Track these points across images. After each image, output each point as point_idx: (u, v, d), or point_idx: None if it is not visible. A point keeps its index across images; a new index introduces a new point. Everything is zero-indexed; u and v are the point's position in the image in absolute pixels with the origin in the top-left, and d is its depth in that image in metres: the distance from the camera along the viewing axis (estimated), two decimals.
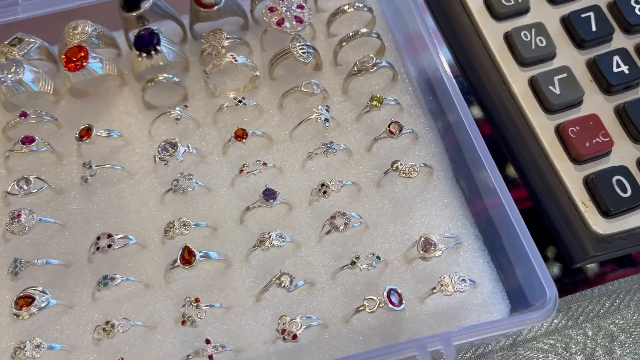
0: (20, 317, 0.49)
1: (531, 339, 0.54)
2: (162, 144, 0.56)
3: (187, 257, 0.50)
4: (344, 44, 0.61)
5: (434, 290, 0.50)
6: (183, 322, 0.49)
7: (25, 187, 0.55)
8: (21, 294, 0.50)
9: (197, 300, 0.50)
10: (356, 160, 0.58)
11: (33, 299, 0.50)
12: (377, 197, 0.57)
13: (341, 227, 0.52)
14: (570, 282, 0.57)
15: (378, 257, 0.51)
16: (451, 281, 0.50)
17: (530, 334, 0.55)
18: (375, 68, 0.59)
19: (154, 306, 0.52)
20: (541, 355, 0.54)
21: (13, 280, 0.52)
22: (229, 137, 0.57)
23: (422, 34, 0.59)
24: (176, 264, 0.50)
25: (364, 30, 0.61)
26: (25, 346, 0.48)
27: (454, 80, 0.56)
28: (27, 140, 0.56)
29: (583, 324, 0.55)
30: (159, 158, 0.56)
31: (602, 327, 0.55)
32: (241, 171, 0.55)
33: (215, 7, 0.61)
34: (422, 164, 0.55)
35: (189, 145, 0.56)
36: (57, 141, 0.60)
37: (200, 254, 0.51)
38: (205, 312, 0.49)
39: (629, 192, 0.52)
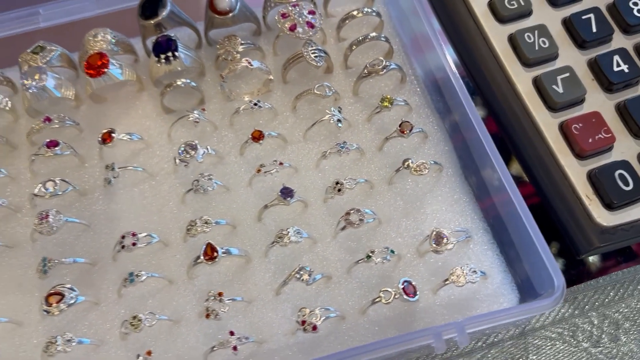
0: (50, 313, 0.51)
1: (539, 328, 0.57)
2: (183, 146, 0.58)
3: (210, 253, 0.52)
4: (354, 47, 0.64)
5: (447, 282, 0.52)
6: (207, 316, 0.51)
7: (51, 189, 0.57)
8: (51, 291, 0.52)
9: (220, 294, 0.52)
10: (368, 159, 0.61)
11: (62, 296, 0.52)
12: (389, 194, 0.59)
13: (356, 223, 0.54)
14: (576, 273, 0.60)
15: (392, 251, 0.53)
16: (463, 273, 0.52)
17: (538, 323, 0.57)
18: (385, 70, 0.61)
19: (177, 301, 0.55)
20: (549, 343, 0.56)
21: (42, 279, 0.54)
22: (245, 138, 0.60)
23: (429, 36, 0.61)
24: (199, 260, 0.53)
25: (373, 34, 0.63)
26: (56, 341, 0.50)
27: (460, 80, 0.58)
28: (52, 144, 0.59)
29: (589, 313, 0.57)
30: (180, 160, 0.58)
31: (607, 315, 0.57)
32: (259, 171, 0.57)
33: (230, 14, 0.63)
34: (432, 162, 0.57)
35: (208, 147, 0.59)
36: (79, 145, 0.62)
37: (222, 250, 0.53)
38: (228, 305, 0.52)
39: (631, 186, 0.55)
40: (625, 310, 0.57)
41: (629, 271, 0.59)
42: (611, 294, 0.58)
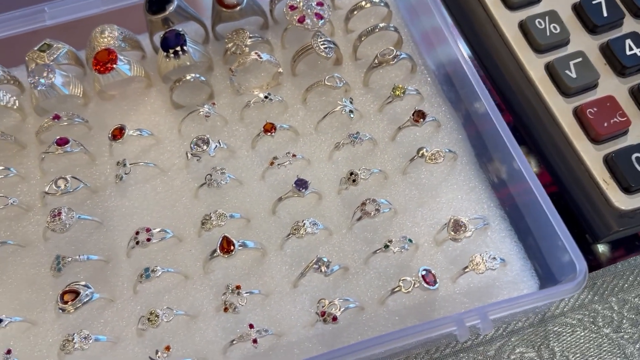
0: (66, 311, 0.51)
1: (559, 315, 0.56)
2: (194, 140, 0.57)
3: (227, 246, 0.52)
4: (363, 38, 0.63)
5: (466, 270, 0.52)
6: (225, 309, 0.51)
7: (62, 187, 0.56)
8: (66, 289, 0.51)
9: (237, 287, 0.51)
10: (381, 150, 0.60)
11: (77, 293, 0.51)
12: (403, 184, 0.58)
13: (372, 213, 0.54)
14: (593, 259, 0.59)
15: (410, 240, 0.53)
16: (482, 260, 0.51)
17: (557, 310, 0.56)
18: (395, 60, 0.61)
19: (194, 296, 0.54)
20: (569, 330, 0.56)
21: (55, 277, 0.54)
22: (256, 132, 0.59)
23: (439, 25, 0.61)
24: (216, 254, 0.52)
25: (382, 24, 0.63)
26: (73, 338, 0.50)
27: (474, 68, 0.58)
28: (62, 142, 0.58)
29: (608, 298, 0.57)
30: (192, 154, 0.57)
31: (627, 300, 0.57)
32: (272, 163, 0.57)
33: (238, 8, 0.62)
34: (447, 150, 0.57)
35: (220, 140, 0.58)
36: (88, 142, 0.61)
37: (238, 243, 0.52)
38: (245, 298, 0.51)
39: None
40: None
41: None
42: (630, 278, 0.57)
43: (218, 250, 0.52)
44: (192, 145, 0.57)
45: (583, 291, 0.57)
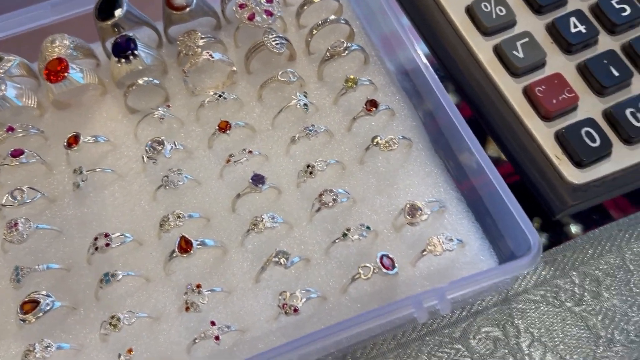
0: (27, 321, 0.50)
1: (522, 292, 0.57)
2: (149, 142, 0.57)
3: (185, 246, 0.52)
4: (314, 32, 0.63)
5: (424, 252, 0.52)
6: (187, 309, 0.51)
7: (19, 198, 0.56)
8: (26, 299, 0.51)
9: (198, 286, 0.51)
10: (338, 141, 0.60)
11: (38, 303, 0.51)
12: (361, 173, 0.59)
13: (330, 203, 0.54)
14: (554, 234, 0.60)
15: (368, 227, 0.53)
16: (439, 241, 0.52)
17: (520, 288, 0.57)
18: (347, 52, 0.61)
19: (156, 299, 0.54)
20: (533, 306, 0.56)
21: (16, 289, 0.54)
22: (213, 131, 0.59)
23: (389, 14, 0.61)
24: (174, 254, 0.52)
25: (332, 17, 0.63)
26: (34, 348, 0.49)
27: (425, 58, 0.58)
28: (17, 153, 0.58)
29: (569, 273, 0.57)
30: (147, 157, 0.57)
31: (588, 273, 0.57)
32: (228, 161, 0.57)
33: (187, 9, 0.63)
34: (400, 137, 0.57)
35: (175, 142, 0.58)
36: (45, 153, 0.61)
37: (197, 242, 0.52)
38: (207, 297, 0.51)
39: (598, 142, 0.55)
40: (605, 266, 0.58)
41: (605, 229, 0.59)
42: (590, 252, 0.58)
43: (176, 251, 0.52)
44: (147, 148, 0.57)
45: (545, 267, 0.58)
